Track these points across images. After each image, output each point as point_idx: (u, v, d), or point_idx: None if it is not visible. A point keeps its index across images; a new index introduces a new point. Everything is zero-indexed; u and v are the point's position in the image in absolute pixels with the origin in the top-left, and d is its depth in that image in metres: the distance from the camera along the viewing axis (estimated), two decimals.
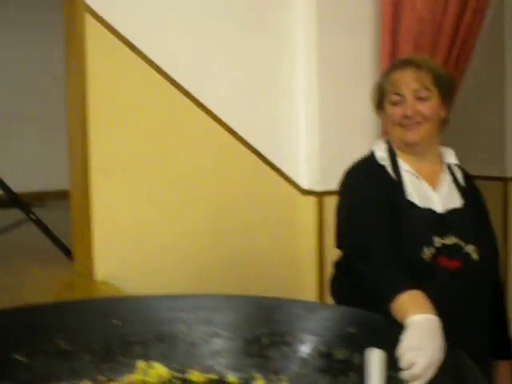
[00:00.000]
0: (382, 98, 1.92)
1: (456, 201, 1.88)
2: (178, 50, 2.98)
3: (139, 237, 2.94)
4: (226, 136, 3.09)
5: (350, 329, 1.61)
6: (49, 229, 3.21)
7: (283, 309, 1.74)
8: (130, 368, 1.70)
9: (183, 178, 3.02)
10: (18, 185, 4.33)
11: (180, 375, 1.69)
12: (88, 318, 1.75)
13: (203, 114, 3.03)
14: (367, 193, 1.83)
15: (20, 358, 1.63)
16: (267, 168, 3.18)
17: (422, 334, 1.45)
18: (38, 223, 3.19)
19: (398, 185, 1.85)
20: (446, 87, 1.90)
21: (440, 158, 1.94)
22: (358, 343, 1.55)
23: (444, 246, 1.77)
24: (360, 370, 1.48)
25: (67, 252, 3.09)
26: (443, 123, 1.94)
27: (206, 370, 1.70)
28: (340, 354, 1.59)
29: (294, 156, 3.22)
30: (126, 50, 2.85)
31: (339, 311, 1.72)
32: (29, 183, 4.62)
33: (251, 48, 3.13)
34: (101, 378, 1.67)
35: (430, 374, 1.38)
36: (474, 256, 1.79)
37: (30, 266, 3.10)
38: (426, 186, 1.87)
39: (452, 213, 1.84)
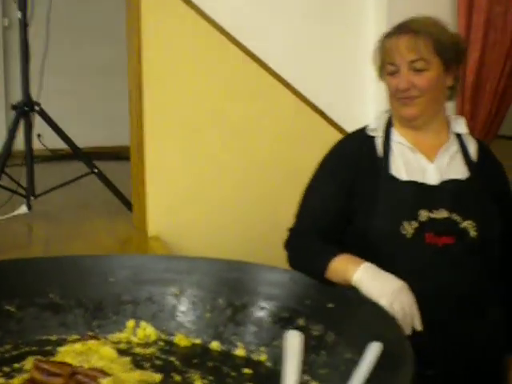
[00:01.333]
0: (380, 66, 1.76)
1: (459, 172, 1.70)
2: (237, 4, 2.91)
3: (192, 194, 2.94)
4: (286, 94, 3.00)
5: (329, 304, 1.51)
6: (111, 182, 3.27)
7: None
8: (120, 326, 1.70)
9: (240, 136, 2.97)
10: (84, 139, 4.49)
11: (167, 337, 1.66)
12: (84, 275, 1.76)
13: (263, 72, 2.95)
14: (328, 169, 1.73)
15: (11, 308, 1.66)
16: (331, 129, 3.06)
17: (376, 281, 1.45)
18: (101, 177, 3.26)
19: (383, 159, 1.70)
20: (450, 54, 1.69)
21: (447, 127, 1.76)
22: (336, 319, 1.47)
23: (431, 220, 1.61)
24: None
25: (129, 205, 3.14)
26: (451, 91, 1.75)
27: (191, 334, 1.66)
28: (316, 330, 1.49)
29: (361, 118, 3.07)
30: (181, 4, 2.82)
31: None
32: (95, 138, 4.74)
33: (317, 6, 2.99)
34: (89, 333, 1.68)
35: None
36: (472, 232, 1.61)
37: (90, 219, 3.19)
38: (420, 157, 1.70)
39: (449, 184, 1.67)
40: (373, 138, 1.74)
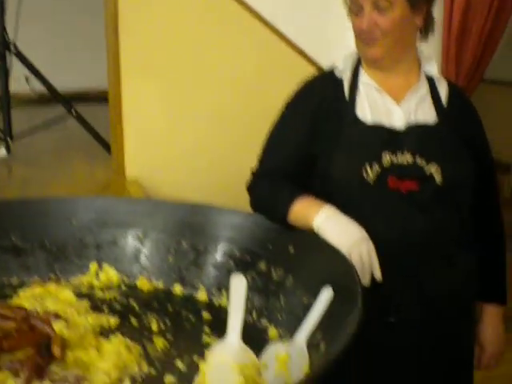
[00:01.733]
0: (347, 6, 1.68)
1: (428, 117, 1.63)
2: None
3: (170, 136, 2.89)
4: (270, 36, 2.92)
5: (290, 248, 1.48)
6: (89, 125, 3.21)
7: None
8: (83, 269, 1.67)
9: (215, 77, 2.91)
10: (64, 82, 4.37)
11: (129, 281, 1.64)
12: (46, 217, 1.73)
13: (241, 10, 2.87)
14: (292, 110, 1.68)
15: None
16: (309, 67, 2.99)
17: (335, 228, 1.42)
18: (79, 119, 3.20)
19: (349, 101, 1.64)
20: None
21: (418, 69, 1.69)
22: (296, 264, 1.44)
23: (394, 164, 1.56)
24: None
25: (108, 149, 3.09)
26: (424, 31, 1.67)
27: (154, 278, 1.64)
28: (276, 274, 1.47)
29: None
30: None
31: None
32: (74, 81, 4.64)
33: None
34: (51, 276, 1.66)
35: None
36: (437, 178, 1.56)
37: (70, 162, 3.15)
38: (387, 99, 1.64)
39: (415, 128, 1.60)
40: (339, 79, 1.67)
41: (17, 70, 3.20)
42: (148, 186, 2.86)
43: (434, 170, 1.56)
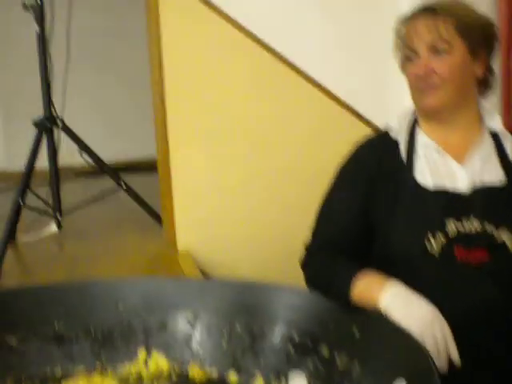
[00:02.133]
0: (400, 54, 1.56)
1: (494, 177, 1.48)
2: (260, 4, 2.75)
3: (221, 206, 2.79)
4: (319, 96, 2.82)
5: (354, 330, 1.34)
6: (140, 197, 3.14)
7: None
8: (130, 357, 1.56)
9: (268, 142, 2.81)
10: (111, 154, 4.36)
11: (180, 369, 1.52)
12: (91, 301, 1.63)
13: (292, 73, 2.78)
14: (345, 179, 1.55)
15: (12, 342, 1.54)
16: (364, 127, 2.86)
17: (405, 307, 1.28)
18: (129, 192, 3.14)
19: (406, 164, 1.50)
20: (476, 37, 1.48)
21: (480, 124, 1.54)
22: (362, 349, 1.29)
23: (461, 233, 1.40)
24: None
25: (159, 220, 3.01)
26: (481, 83, 1.54)
27: (207, 364, 1.51)
28: (341, 361, 1.32)
29: (393, 114, 2.87)
30: (202, 6, 2.68)
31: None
32: (122, 151, 4.63)
33: (342, 3, 2.82)
34: (97, 364, 1.55)
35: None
36: (511, 245, 1.39)
37: (120, 235, 3.08)
38: (449, 160, 1.49)
39: (482, 191, 1.45)
40: (395, 140, 1.54)
41: (71, 144, 3.18)
42: (201, 258, 2.76)
43: (506, 236, 1.40)
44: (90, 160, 3.22)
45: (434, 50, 1.45)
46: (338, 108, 2.84)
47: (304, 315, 1.44)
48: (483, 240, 1.40)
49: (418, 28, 1.47)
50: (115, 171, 3.19)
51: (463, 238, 1.40)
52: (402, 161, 1.50)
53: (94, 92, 4.96)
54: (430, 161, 1.49)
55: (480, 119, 1.54)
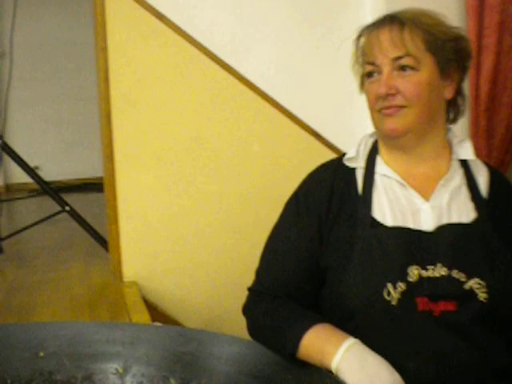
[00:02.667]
0: (359, 71, 1.36)
1: (463, 213, 1.29)
2: (217, 18, 2.58)
3: (170, 233, 2.60)
4: (279, 117, 2.65)
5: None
6: (85, 220, 2.94)
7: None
8: None
9: (223, 166, 2.63)
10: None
11: None
12: (10, 348, 1.43)
13: (250, 92, 2.61)
14: (293, 213, 1.35)
15: None
16: (328, 152, 2.70)
17: (361, 371, 1.09)
18: (73, 215, 2.93)
19: (363, 199, 1.31)
20: (447, 52, 1.28)
21: (448, 152, 1.35)
22: None
23: (424, 280, 1.21)
24: None
25: (106, 245, 2.80)
26: (451, 106, 1.36)
27: None
28: None
29: (351, 134, 2.71)
30: (153, 18, 2.49)
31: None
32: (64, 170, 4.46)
33: (295, 17, 2.66)
34: None
35: None
36: (481, 295, 1.21)
37: (64, 261, 2.87)
38: (413, 194, 1.30)
39: (449, 231, 1.26)
40: (352, 169, 1.36)
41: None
42: (148, 288, 2.57)
43: (475, 284, 1.22)
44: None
45: (399, 67, 1.26)
46: (298, 129, 2.68)
47: (246, 368, 1.25)
48: (450, 288, 1.21)
49: (381, 40, 1.27)
50: (56, 192, 2.97)
51: (426, 286, 1.21)
52: (358, 194, 1.32)
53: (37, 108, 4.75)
54: (390, 195, 1.30)
55: (448, 147, 1.36)
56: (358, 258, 1.24)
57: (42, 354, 1.41)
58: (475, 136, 2.63)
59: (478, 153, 2.78)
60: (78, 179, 4.26)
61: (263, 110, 2.64)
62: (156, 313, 2.60)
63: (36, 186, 3.95)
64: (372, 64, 1.29)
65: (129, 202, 2.57)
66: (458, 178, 1.33)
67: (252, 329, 1.31)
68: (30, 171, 2.94)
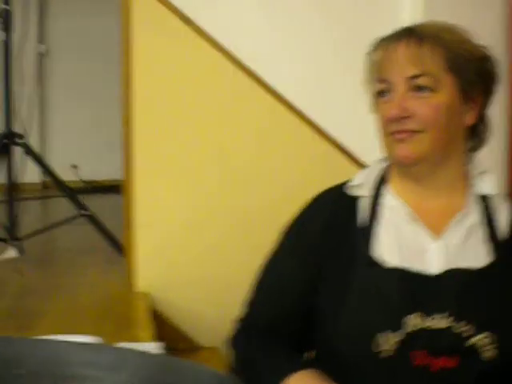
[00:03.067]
0: (371, 90, 1.23)
1: (477, 256, 1.14)
2: (245, 24, 2.48)
3: (187, 244, 2.51)
4: (302, 127, 2.53)
5: None
6: (103, 226, 2.87)
7: None
8: None
9: (245, 178, 2.52)
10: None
11: None
12: None
13: (275, 102, 2.50)
14: (290, 243, 1.24)
15: None
16: (347, 163, 2.57)
17: None
18: (92, 219, 2.87)
19: (365, 233, 1.17)
20: (470, 74, 1.15)
21: (466, 186, 1.22)
22: None
23: (423, 331, 1.08)
24: None
25: (121, 250, 2.72)
26: (472, 134, 1.22)
27: None
28: None
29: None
30: (179, 22, 2.41)
31: None
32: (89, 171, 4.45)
33: (329, 34, 2.54)
34: None
35: None
36: (488, 351, 1.06)
37: (79, 266, 2.81)
38: (422, 230, 1.17)
39: (458, 276, 1.12)
40: (355, 199, 1.23)
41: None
42: (161, 298, 2.48)
43: (483, 340, 1.08)
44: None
45: (415, 87, 1.13)
46: (327, 145, 2.55)
47: None
48: (452, 342, 1.08)
49: (397, 56, 1.15)
50: (76, 196, 2.91)
51: (426, 338, 1.08)
52: (361, 227, 1.19)
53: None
54: (397, 230, 1.17)
55: (467, 179, 1.22)
56: (351, 301, 1.12)
57: (17, 371, 1.34)
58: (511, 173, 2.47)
59: None
60: (114, 180, 4.31)
61: (290, 122, 2.52)
62: (167, 327, 2.51)
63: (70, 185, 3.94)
64: (385, 82, 1.16)
65: (146, 208, 2.49)
66: (474, 215, 1.18)
67: (237, 363, 1.20)
68: (50, 172, 2.89)
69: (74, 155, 5.73)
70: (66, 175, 6.06)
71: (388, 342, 1.07)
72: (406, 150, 1.14)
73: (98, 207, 3.27)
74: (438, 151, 1.15)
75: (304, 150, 2.56)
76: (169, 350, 2.24)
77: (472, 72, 1.16)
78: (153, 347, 1.86)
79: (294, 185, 2.56)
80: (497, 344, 1.06)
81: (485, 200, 1.20)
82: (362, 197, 1.21)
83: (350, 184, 1.23)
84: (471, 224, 1.17)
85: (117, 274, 2.74)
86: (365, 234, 1.17)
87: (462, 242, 1.15)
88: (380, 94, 1.18)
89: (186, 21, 2.41)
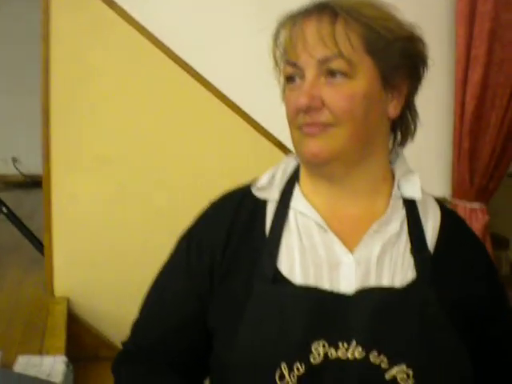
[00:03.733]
0: (279, 74, 1.03)
1: (399, 273, 0.96)
2: (176, 11, 2.31)
3: (108, 245, 2.33)
4: (237, 120, 2.37)
5: None
6: (23, 224, 2.68)
7: None
8: None
9: (173, 176, 2.36)
10: None
11: None
12: None
13: (207, 94, 2.34)
14: (182, 256, 1.04)
15: None
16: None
17: None
18: (10, 217, 2.67)
19: (269, 244, 0.98)
20: (394, 58, 0.96)
21: (389, 187, 1.02)
22: None
23: (332, 362, 0.90)
24: None
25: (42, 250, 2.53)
26: (399, 126, 1.04)
27: None
28: None
29: None
30: (103, 6, 2.23)
31: None
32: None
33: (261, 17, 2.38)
34: None
35: None
36: None
37: (5, 268, 2.61)
38: (334, 241, 0.97)
39: (374, 296, 0.93)
40: (263, 202, 1.03)
41: None
42: (80, 304, 2.30)
43: (400, 373, 0.89)
44: None
45: (327, 71, 0.93)
46: (264, 141, 2.40)
47: None
48: (364, 376, 0.89)
49: (305, 35, 0.95)
50: None
51: (333, 372, 0.89)
52: (264, 235, 0.99)
53: None
54: (306, 241, 0.98)
55: (390, 181, 1.03)
56: (248, 323, 0.92)
57: None
58: (457, 158, 2.35)
59: (460, 178, 2.52)
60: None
61: (223, 114, 2.36)
62: (89, 334, 2.34)
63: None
64: (294, 65, 0.96)
65: (64, 207, 2.31)
66: (397, 222, 0.99)
67: None
68: None
69: (13, 148, 5.56)
70: (6, 169, 5.90)
71: (289, 375, 0.88)
72: (316, 146, 0.94)
73: (37, 202, 3.08)
74: (354, 148, 0.95)
75: (239, 144, 2.41)
76: (83, 360, 2.07)
77: (396, 55, 0.96)
78: (58, 361, 1.69)
79: (228, 184, 2.40)
80: (417, 379, 0.88)
81: (411, 205, 1.02)
82: (270, 200, 1.02)
83: (257, 185, 1.04)
84: (392, 233, 0.98)
85: (40, 275, 2.55)
86: (269, 244, 0.97)
87: (379, 254, 0.95)
88: (289, 79, 0.98)
89: (110, 4, 2.24)
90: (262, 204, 1.02)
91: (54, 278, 2.33)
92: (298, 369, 0.89)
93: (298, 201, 1.01)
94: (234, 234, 1.00)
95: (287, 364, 0.89)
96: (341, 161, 0.96)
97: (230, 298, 0.96)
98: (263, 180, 1.04)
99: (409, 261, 0.97)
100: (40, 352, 1.81)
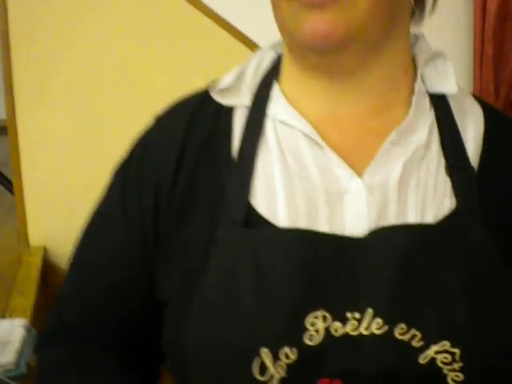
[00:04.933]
0: None
1: (430, 202, 0.66)
2: None
3: (85, 187, 2.05)
4: (225, 36, 2.08)
5: None
6: None
7: None
8: None
9: (156, 102, 2.05)
10: None
11: None
12: None
13: (194, 10, 2.05)
14: (120, 187, 0.74)
15: None
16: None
17: None
18: None
19: (237, 165, 0.68)
20: None
21: (410, 82, 0.71)
22: None
23: (338, 341, 0.59)
24: None
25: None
26: (413, 14, 0.72)
27: None
28: None
29: None
30: None
31: None
32: None
33: None
34: None
35: None
36: (453, 373, 0.58)
37: None
38: (334, 161, 0.67)
39: (393, 239, 0.62)
40: (228, 110, 0.73)
41: None
42: (58, 253, 2.06)
43: (442, 355, 0.59)
44: None
45: None
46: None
47: None
48: (388, 360, 0.59)
49: None
50: None
51: (341, 355, 0.60)
52: (231, 158, 0.70)
53: None
54: (292, 163, 0.68)
55: (412, 73, 0.72)
56: (206, 292, 0.63)
57: None
58: (478, 65, 2.05)
59: (483, 90, 2.24)
60: None
61: (208, 29, 2.07)
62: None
63: None
64: None
65: (34, 148, 2.04)
66: (423, 129, 0.70)
67: (37, 379, 0.76)
68: None
69: None
70: None
71: (273, 364, 0.59)
72: (325, 21, 0.61)
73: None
74: (378, 22, 0.64)
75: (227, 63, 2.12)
76: None
77: None
78: (16, 324, 1.45)
79: None
80: (462, 360, 0.59)
81: (442, 104, 0.72)
82: (237, 107, 0.72)
83: (218, 87, 0.73)
84: (416, 146, 0.69)
85: (16, 225, 2.31)
86: (238, 170, 0.68)
87: (400, 178, 0.66)
88: None
89: None
90: (227, 113, 0.72)
91: (27, 227, 2.08)
92: (286, 356, 0.60)
93: (278, 105, 0.71)
94: (187, 159, 0.71)
95: (270, 350, 0.60)
96: (361, 43, 0.65)
97: (182, 254, 0.67)
98: (228, 79, 0.73)
99: (444, 183, 0.68)
100: (3, 313, 1.57)
